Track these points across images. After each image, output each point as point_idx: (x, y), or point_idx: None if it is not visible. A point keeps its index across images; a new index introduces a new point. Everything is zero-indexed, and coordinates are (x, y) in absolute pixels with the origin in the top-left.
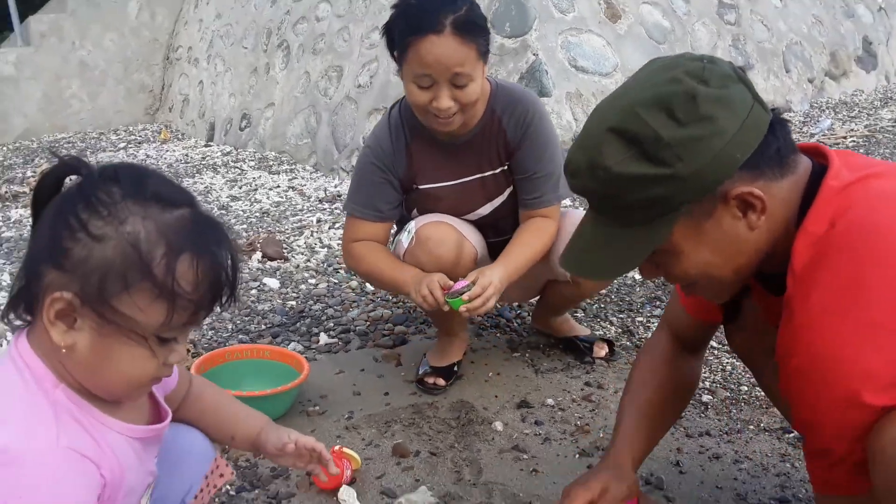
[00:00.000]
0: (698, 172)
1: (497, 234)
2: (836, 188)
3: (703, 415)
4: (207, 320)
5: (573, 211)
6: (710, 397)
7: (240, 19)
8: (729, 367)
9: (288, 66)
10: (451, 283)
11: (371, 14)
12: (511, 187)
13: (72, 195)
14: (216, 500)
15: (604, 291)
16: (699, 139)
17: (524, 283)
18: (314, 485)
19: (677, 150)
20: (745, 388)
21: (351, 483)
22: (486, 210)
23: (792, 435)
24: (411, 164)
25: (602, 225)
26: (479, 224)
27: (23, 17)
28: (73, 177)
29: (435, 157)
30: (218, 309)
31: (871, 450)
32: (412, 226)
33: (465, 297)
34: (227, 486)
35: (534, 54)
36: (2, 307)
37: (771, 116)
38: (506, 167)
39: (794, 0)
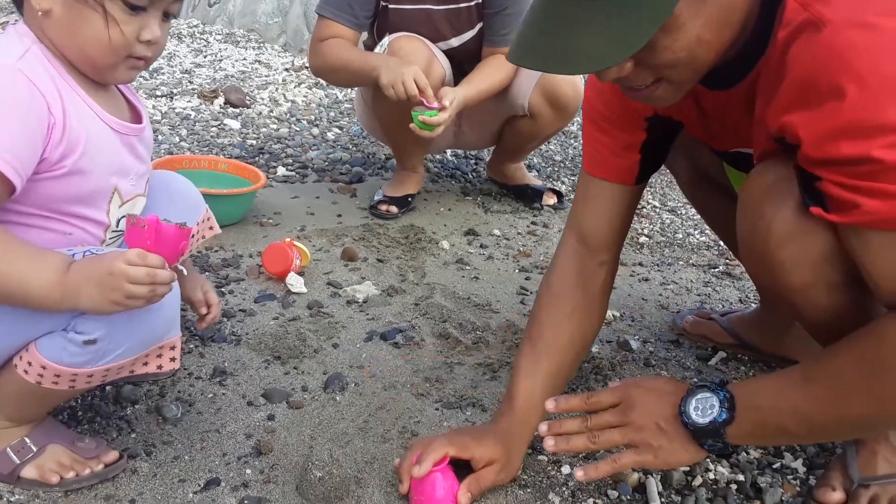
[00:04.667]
0: None
1: (462, 72)
2: None
3: (638, 252)
4: (165, 145)
5: None
6: (647, 239)
7: None
8: (667, 221)
9: None
10: (427, 86)
11: None
12: (481, 24)
13: None
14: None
15: (557, 158)
16: None
17: (483, 124)
18: (264, 271)
19: None
20: (680, 237)
21: (299, 274)
22: (455, 42)
23: (717, 270)
24: None
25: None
26: (447, 57)
27: None
28: None
29: None
30: None
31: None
32: (385, 40)
33: (422, 118)
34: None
35: None
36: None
37: None
38: (479, 1)
39: None
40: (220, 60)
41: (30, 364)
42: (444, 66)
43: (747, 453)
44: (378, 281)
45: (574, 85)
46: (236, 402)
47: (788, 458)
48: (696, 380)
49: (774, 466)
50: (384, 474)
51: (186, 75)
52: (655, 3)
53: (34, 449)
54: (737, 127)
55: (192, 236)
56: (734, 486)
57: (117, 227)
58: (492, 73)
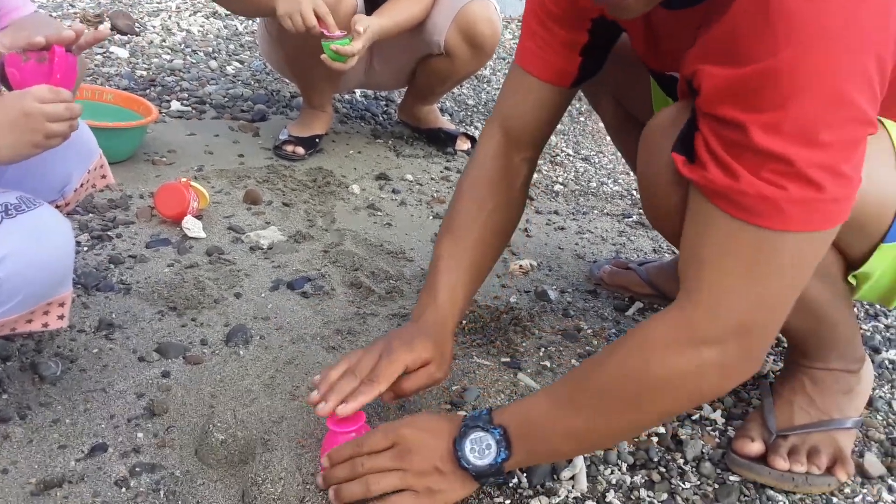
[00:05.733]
0: None
1: (374, 6)
2: None
3: (553, 200)
4: None
5: None
6: (562, 187)
7: None
8: (581, 170)
9: None
10: (326, 13)
11: None
12: None
13: None
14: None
15: (471, 102)
16: None
17: (396, 61)
18: (157, 214)
19: None
20: (594, 185)
21: (197, 217)
22: None
23: (631, 219)
24: None
25: None
26: None
27: None
28: None
29: None
30: None
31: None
32: None
33: (334, 47)
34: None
35: None
36: None
37: None
38: None
39: None
40: None
41: None
42: None
43: None
44: (284, 226)
45: (492, 23)
46: (126, 358)
47: (707, 410)
48: (464, 412)
49: (694, 418)
50: (293, 435)
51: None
52: None
53: None
54: (678, 50)
55: (81, 185)
56: (655, 439)
57: None
58: (408, 5)
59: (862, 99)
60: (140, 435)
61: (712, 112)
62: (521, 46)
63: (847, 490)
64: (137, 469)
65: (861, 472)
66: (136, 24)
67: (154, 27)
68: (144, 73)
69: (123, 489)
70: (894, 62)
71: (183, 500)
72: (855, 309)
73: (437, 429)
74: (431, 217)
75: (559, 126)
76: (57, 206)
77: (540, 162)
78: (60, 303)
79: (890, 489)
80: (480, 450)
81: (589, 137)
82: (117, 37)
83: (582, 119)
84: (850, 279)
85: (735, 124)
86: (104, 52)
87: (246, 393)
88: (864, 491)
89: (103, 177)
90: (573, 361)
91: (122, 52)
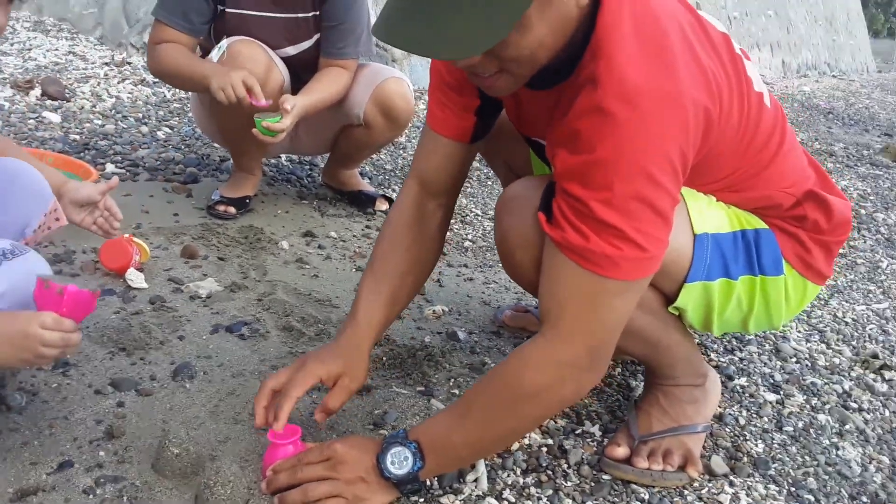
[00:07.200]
0: None
1: (298, 81)
2: None
3: (463, 254)
4: None
5: (372, 63)
6: (471, 244)
7: None
8: (488, 228)
9: None
10: (254, 84)
11: None
12: (318, 35)
13: None
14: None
15: (388, 167)
16: None
17: (319, 131)
18: (100, 267)
19: None
20: None
21: (139, 270)
22: (291, 51)
23: None
24: None
25: None
26: (285, 65)
27: None
28: None
29: None
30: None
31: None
32: (224, 43)
33: (265, 124)
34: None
35: None
36: None
37: None
38: (318, 13)
39: None
40: (30, 49)
41: None
42: (282, 72)
43: (555, 421)
44: (220, 278)
45: (406, 98)
46: (83, 391)
47: (588, 425)
48: (385, 432)
49: (577, 432)
50: (238, 451)
51: None
52: (511, 3)
53: None
54: (538, 120)
55: (39, 227)
56: (545, 449)
57: None
58: (329, 84)
59: (665, 179)
60: (102, 453)
61: (563, 186)
62: (429, 111)
63: (696, 484)
64: (102, 480)
65: (708, 470)
66: (66, 90)
67: (84, 93)
68: (77, 136)
69: (91, 496)
70: (696, 151)
71: (143, 503)
72: (694, 336)
73: (364, 445)
74: (354, 269)
75: (469, 189)
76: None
77: (451, 221)
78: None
79: (731, 484)
80: (399, 461)
81: (495, 199)
82: (48, 101)
83: (489, 183)
84: (672, 310)
85: (579, 198)
86: (37, 118)
87: (194, 419)
88: (710, 485)
89: (57, 219)
90: (463, 394)
91: (55, 117)
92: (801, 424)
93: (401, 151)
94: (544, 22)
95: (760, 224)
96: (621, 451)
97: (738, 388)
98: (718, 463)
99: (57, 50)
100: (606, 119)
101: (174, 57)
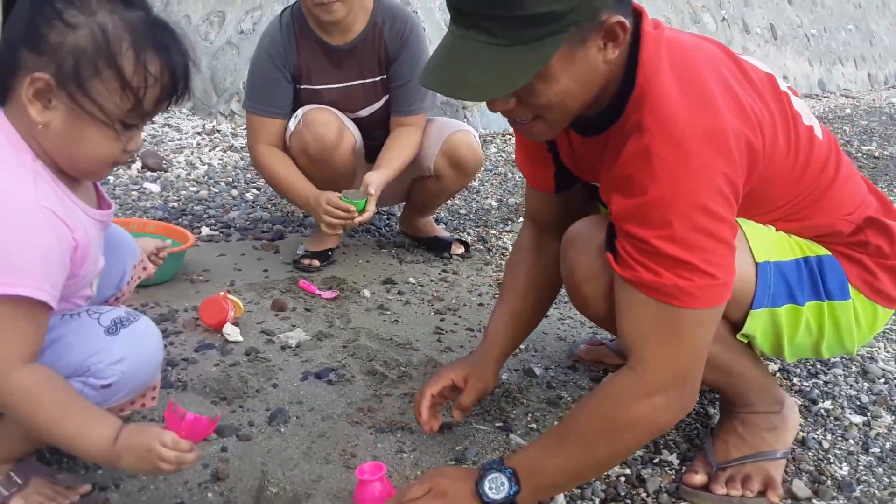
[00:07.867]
0: None
1: (371, 138)
2: (653, 35)
3: None
4: None
5: (440, 118)
6: None
7: None
8: None
9: (167, 9)
10: (333, 197)
11: None
12: (387, 96)
13: None
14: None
15: (462, 211)
16: None
17: (394, 183)
18: (200, 323)
19: None
20: None
21: (234, 324)
22: (365, 112)
23: None
24: (299, 63)
25: (483, 43)
26: (357, 125)
27: None
28: None
29: (321, 61)
30: (175, 101)
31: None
32: (300, 112)
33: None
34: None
35: None
36: None
37: None
38: (385, 76)
39: None
40: None
41: None
42: (354, 134)
43: None
44: (307, 327)
45: (473, 149)
46: None
47: (665, 454)
48: (482, 462)
49: (655, 461)
50: (330, 488)
51: None
52: (534, 56)
53: (20, 482)
54: (590, 164)
55: (132, 279)
56: (622, 479)
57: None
58: (403, 150)
59: (719, 208)
60: (209, 495)
61: (623, 228)
62: (516, 162)
63: None
64: None
65: (790, 495)
66: (164, 161)
67: (179, 162)
68: (175, 203)
69: None
70: (744, 179)
71: None
72: (769, 364)
73: (462, 475)
74: (433, 313)
75: None
76: (116, 298)
77: None
78: (153, 386)
79: None
80: (496, 487)
81: None
82: (148, 173)
83: None
84: (741, 338)
85: (641, 238)
86: (139, 189)
87: (289, 460)
88: None
89: (144, 269)
90: (556, 424)
91: (155, 187)
92: (888, 445)
93: (474, 195)
94: (568, 74)
95: (822, 251)
96: (699, 478)
97: (822, 411)
98: (800, 487)
99: (153, 123)
100: (655, 161)
101: (273, 167)
